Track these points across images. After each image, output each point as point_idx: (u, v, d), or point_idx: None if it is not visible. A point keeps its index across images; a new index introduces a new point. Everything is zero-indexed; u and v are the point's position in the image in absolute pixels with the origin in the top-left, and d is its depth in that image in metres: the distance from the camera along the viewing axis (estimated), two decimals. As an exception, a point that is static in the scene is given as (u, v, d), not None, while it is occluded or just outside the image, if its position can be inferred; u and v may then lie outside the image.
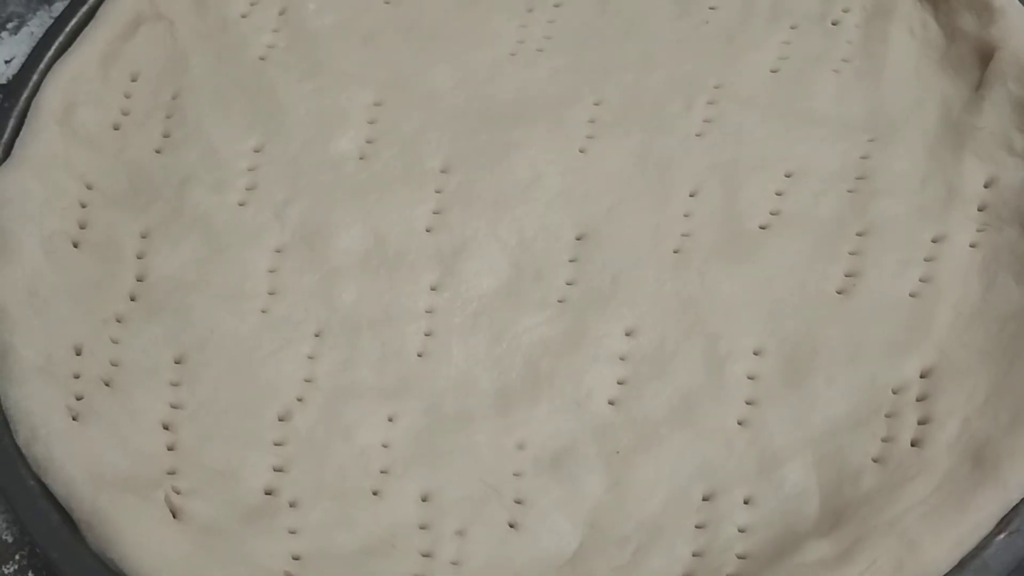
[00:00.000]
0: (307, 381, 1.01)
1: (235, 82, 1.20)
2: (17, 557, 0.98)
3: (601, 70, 1.18)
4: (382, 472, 0.97)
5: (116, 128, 1.16)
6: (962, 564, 0.86)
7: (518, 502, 0.95)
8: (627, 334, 1.02)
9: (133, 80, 1.20)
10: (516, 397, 1.00)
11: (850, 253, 1.04)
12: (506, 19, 1.21)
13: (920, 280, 1.02)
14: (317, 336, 1.04)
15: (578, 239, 1.08)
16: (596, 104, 1.14)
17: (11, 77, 1.23)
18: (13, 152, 1.11)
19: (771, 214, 1.08)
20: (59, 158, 1.11)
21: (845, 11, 1.20)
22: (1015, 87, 1.07)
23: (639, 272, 1.05)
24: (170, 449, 0.97)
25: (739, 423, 0.97)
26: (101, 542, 0.89)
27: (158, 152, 1.16)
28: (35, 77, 1.16)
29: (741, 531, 0.92)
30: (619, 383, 1.00)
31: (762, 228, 1.07)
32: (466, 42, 1.21)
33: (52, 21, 1.23)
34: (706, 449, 0.96)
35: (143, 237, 1.09)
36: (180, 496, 0.93)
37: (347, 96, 1.17)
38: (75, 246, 1.07)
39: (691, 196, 1.09)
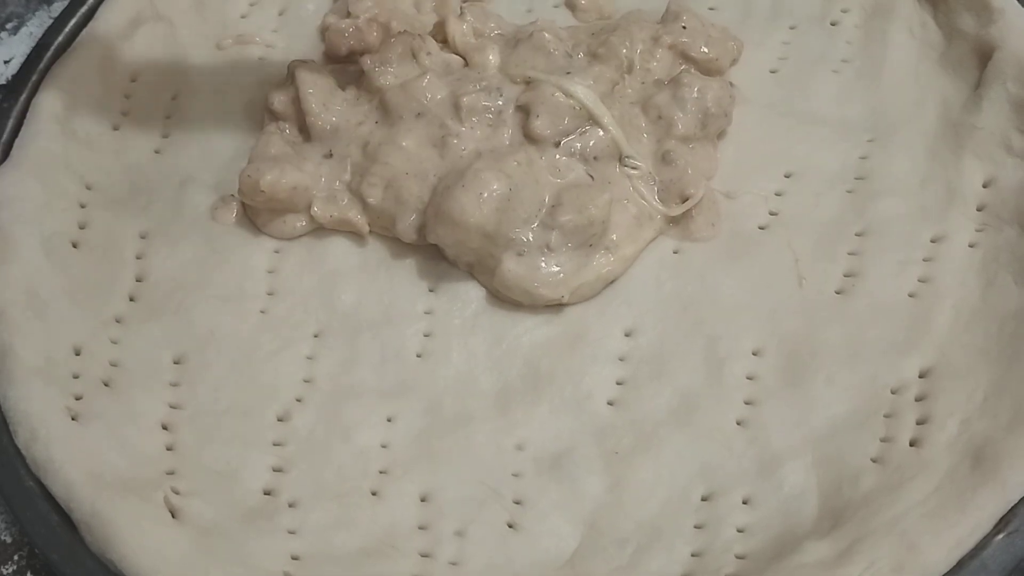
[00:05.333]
0: (306, 382, 1.01)
1: (235, 83, 1.20)
2: (16, 558, 0.98)
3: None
4: (381, 472, 0.97)
5: (116, 128, 1.17)
6: (961, 564, 0.86)
7: (517, 503, 0.95)
8: (627, 335, 1.03)
9: (133, 80, 1.20)
10: (515, 398, 1.00)
11: (850, 253, 1.04)
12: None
13: (919, 280, 1.02)
14: (316, 337, 1.04)
15: (577, 239, 1.08)
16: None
17: (11, 77, 1.23)
18: (13, 152, 1.11)
19: (771, 214, 1.08)
20: (59, 158, 1.11)
21: (844, 11, 1.20)
22: (1014, 87, 1.07)
23: (639, 272, 1.05)
24: (169, 449, 0.97)
25: (738, 423, 0.97)
26: (100, 543, 0.89)
27: (158, 152, 1.16)
28: (35, 77, 1.17)
29: (740, 531, 0.92)
30: (618, 384, 1.00)
31: (762, 228, 1.07)
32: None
33: (52, 21, 1.23)
34: (705, 450, 0.96)
35: (143, 238, 1.09)
36: (179, 496, 0.94)
37: (346, 96, 1.17)
38: (75, 247, 1.08)
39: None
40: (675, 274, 1.05)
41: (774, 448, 0.95)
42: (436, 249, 1.06)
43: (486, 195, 1.00)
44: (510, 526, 0.94)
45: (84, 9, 1.22)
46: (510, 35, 1.13)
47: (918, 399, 0.96)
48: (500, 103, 1.06)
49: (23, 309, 1.00)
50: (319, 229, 1.09)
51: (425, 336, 1.03)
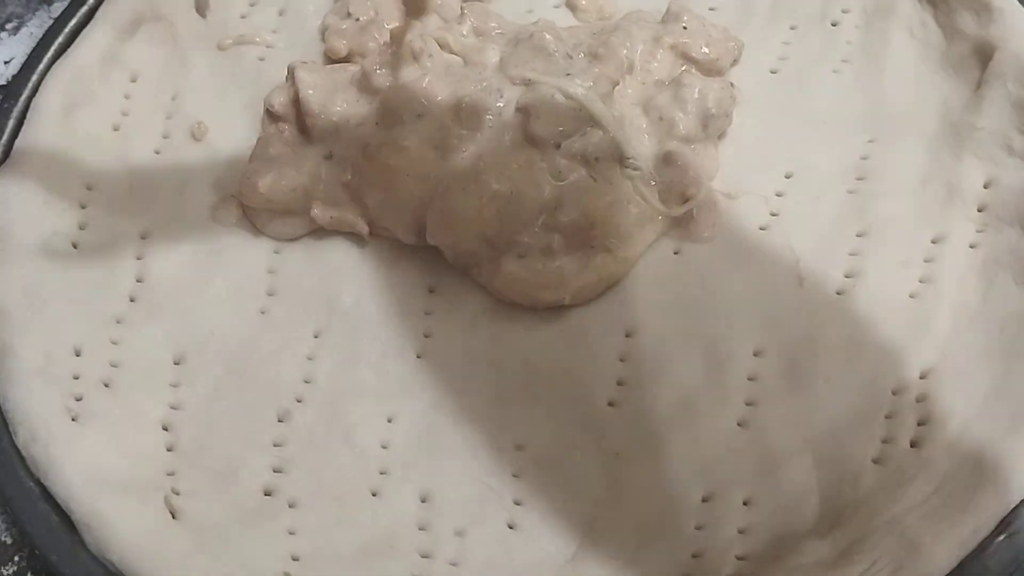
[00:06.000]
0: (306, 382, 1.01)
1: (235, 82, 1.20)
2: (16, 559, 0.98)
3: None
4: (381, 473, 0.97)
5: (116, 129, 1.16)
6: (962, 566, 0.85)
7: (517, 503, 0.95)
8: (627, 335, 1.02)
9: (133, 80, 1.20)
10: (516, 398, 1.00)
11: (850, 254, 1.04)
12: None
13: (920, 281, 1.02)
14: (316, 337, 1.04)
15: (578, 239, 1.08)
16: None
17: (11, 77, 1.23)
18: (13, 152, 1.11)
19: (771, 215, 1.08)
20: (59, 158, 1.10)
21: (845, 12, 1.19)
22: (1015, 87, 1.07)
23: (639, 272, 1.05)
24: (169, 450, 0.98)
25: (739, 424, 0.97)
26: (100, 543, 0.89)
27: (158, 152, 1.16)
28: (35, 77, 1.16)
29: (740, 532, 0.92)
30: (619, 384, 1.00)
31: (762, 229, 1.07)
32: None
33: (52, 22, 1.23)
34: (706, 450, 0.96)
35: (143, 238, 1.09)
36: (179, 497, 0.94)
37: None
38: (75, 247, 1.08)
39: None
40: (676, 275, 1.05)
41: (774, 449, 0.95)
42: (436, 250, 1.06)
43: (487, 198, 1.00)
44: (510, 526, 0.94)
45: (84, 9, 1.22)
46: (511, 35, 1.13)
47: (919, 400, 0.95)
48: (500, 105, 1.06)
49: (23, 309, 1.01)
50: (319, 230, 1.09)
51: (425, 336, 1.03)
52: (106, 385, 1.00)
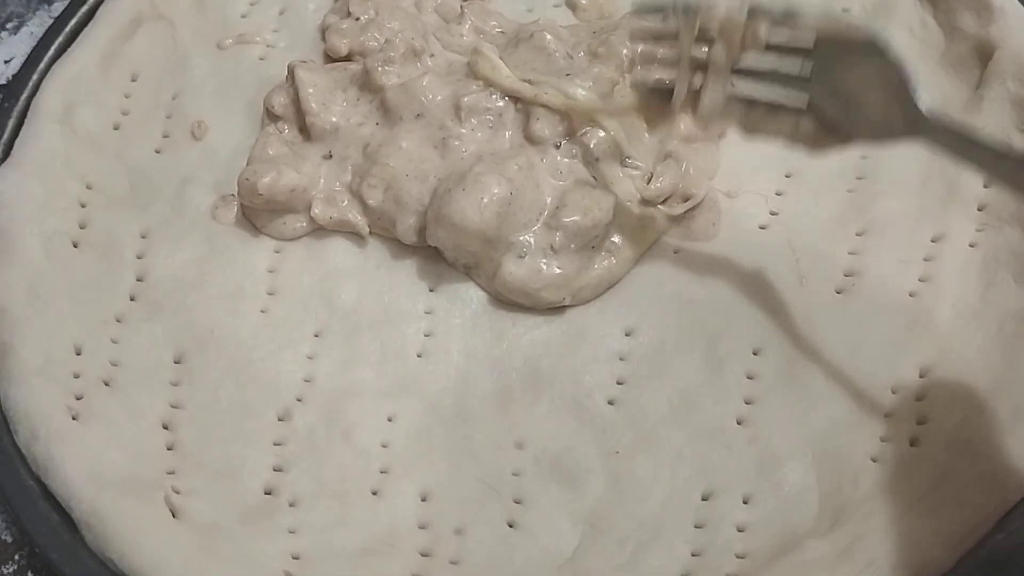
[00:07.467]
0: (307, 381, 1.01)
1: (235, 82, 1.20)
2: (16, 557, 0.98)
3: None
4: (381, 472, 0.97)
5: (116, 128, 1.16)
6: (961, 564, 0.86)
7: (517, 502, 0.95)
8: (627, 334, 1.03)
9: (133, 80, 1.20)
10: (516, 397, 1.00)
11: (850, 253, 1.04)
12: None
13: (920, 280, 1.02)
14: (317, 336, 1.04)
15: (578, 238, 1.08)
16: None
17: (11, 77, 1.23)
18: (13, 152, 1.11)
19: (771, 214, 1.08)
20: (59, 158, 1.11)
21: (845, 10, 1.19)
22: (1015, 87, 1.07)
23: (639, 271, 1.05)
24: (170, 449, 0.98)
25: (738, 422, 0.97)
26: (100, 542, 0.89)
27: (158, 152, 1.16)
28: (35, 77, 1.17)
29: (740, 530, 0.92)
30: (619, 383, 1.00)
31: (762, 228, 1.07)
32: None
33: (52, 21, 1.23)
34: (705, 448, 0.96)
35: (143, 237, 1.09)
36: (180, 496, 0.94)
37: (347, 96, 1.17)
38: (75, 246, 1.08)
39: (691, 196, 1.10)
40: (675, 273, 1.05)
41: (774, 447, 0.95)
42: (436, 250, 1.06)
43: (487, 200, 1.00)
44: (510, 525, 0.94)
45: (84, 9, 1.22)
46: (511, 35, 1.13)
47: (918, 398, 0.96)
48: (501, 104, 1.06)
49: (24, 309, 1.01)
50: (319, 230, 1.09)
51: (425, 336, 1.03)
52: (106, 384, 1.00)
